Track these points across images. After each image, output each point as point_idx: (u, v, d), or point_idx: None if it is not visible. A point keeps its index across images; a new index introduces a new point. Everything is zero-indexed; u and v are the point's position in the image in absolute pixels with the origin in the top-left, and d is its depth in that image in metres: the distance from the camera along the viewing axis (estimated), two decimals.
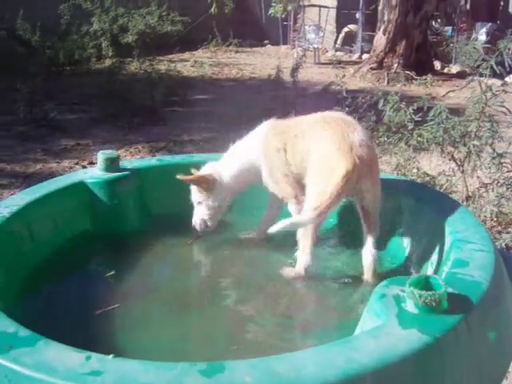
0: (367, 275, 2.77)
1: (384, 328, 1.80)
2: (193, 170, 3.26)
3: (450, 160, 5.55)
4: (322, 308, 2.70)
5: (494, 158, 5.07)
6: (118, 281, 2.81)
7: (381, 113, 5.94)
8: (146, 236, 3.19)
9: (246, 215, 3.38)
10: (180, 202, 3.26)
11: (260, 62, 16.02)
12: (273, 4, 16.48)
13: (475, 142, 5.15)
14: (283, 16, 17.26)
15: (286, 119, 3.28)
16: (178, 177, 3.14)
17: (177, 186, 3.24)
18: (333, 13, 18.93)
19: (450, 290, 1.93)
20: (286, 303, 2.75)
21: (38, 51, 11.36)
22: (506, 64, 5.10)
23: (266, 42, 19.87)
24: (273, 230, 2.68)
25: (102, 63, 13.40)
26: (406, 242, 3.01)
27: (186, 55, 16.16)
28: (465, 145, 5.26)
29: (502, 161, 5.04)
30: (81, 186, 3.15)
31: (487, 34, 16.44)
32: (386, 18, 13.89)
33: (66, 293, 2.76)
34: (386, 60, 13.73)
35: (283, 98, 9.29)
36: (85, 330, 2.34)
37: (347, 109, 6.02)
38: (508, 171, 5.13)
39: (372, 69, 13.64)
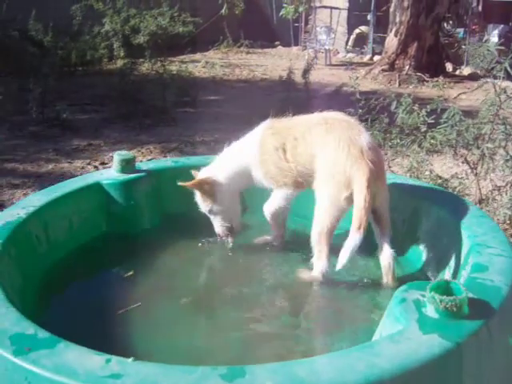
0: (386, 278, 2.75)
1: (405, 333, 1.79)
2: (193, 172, 3.26)
3: (462, 163, 5.51)
4: (340, 312, 2.69)
5: (507, 161, 5.03)
6: (137, 281, 2.82)
7: (393, 115, 5.90)
8: (162, 237, 3.20)
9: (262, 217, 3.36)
10: (195, 203, 3.25)
11: (271, 63, 15.99)
12: (284, 5, 16.46)
13: (489, 145, 5.11)
14: (294, 17, 17.24)
15: (283, 120, 3.23)
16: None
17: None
18: (344, 14, 18.88)
19: (470, 295, 1.92)
20: (303, 306, 2.75)
21: (51, 52, 11.37)
22: None
23: (277, 43, 19.85)
24: (341, 264, 2.64)
25: (114, 64, 13.42)
26: (423, 246, 2.99)
27: (198, 56, 16.16)
28: (478, 147, 5.23)
29: None
30: (97, 187, 3.16)
31: (499, 35, 16.32)
32: (397, 19, 13.83)
33: (83, 294, 2.78)
34: (397, 62, 13.68)
35: (295, 100, 9.25)
36: (103, 331, 2.35)
37: (360, 111, 5.99)
38: None
39: (383, 70, 13.59)
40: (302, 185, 3.06)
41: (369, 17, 17.56)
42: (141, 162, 3.39)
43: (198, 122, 8.88)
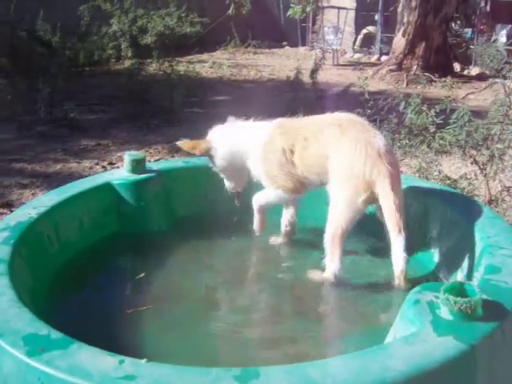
0: (398, 280, 2.74)
1: (419, 335, 1.78)
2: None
3: (472, 163, 5.49)
4: (352, 313, 2.68)
5: None
6: (147, 282, 2.82)
7: (402, 115, 5.89)
8: (172, 237, 3.19)
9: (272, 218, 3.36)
10: (205, 204, 3.26)
11: (278, 63, 15.97)
12: (292, 5, 16.44)
13: (498, 145, 5.09)
14: (302, 17, 17.21)
15: (294, 119, 3.23)
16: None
17: (202, 187, 3.24)
18: (352, 14, 18.85)
19: (484, 296, 1.90)
20: (315, 308, 2.74)
21: (59, 52, 11.39)
22: None
23: (284, 43, 19.83)
24: (401, 271, 2.64)
25: (122, 64, 13.43)
26: (435, 247, 2.98)
27: (205, 56, 16.16)
28: (488, 148, 5.21)
29: None
30: (107, 188, 3.16)
31: (508, 35, 16.29)
32: (405, 19, 13.80)
33: (94, 294, 2.77)
34: (405, 62, 13.64)
35: (302, 100, 9.24)
36: (114, 332, 2.34)
37: (369, 111, 5.98)
38: None
39: (391, 70, 13.56)
40: (300, 191, 3.10)
41: (376, 17, 17.52)
42: (149, 162, 3.38)
43: (205, 122, 8.76)
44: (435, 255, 2.97)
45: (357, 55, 17.80)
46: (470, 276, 2.54)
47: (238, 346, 2.36)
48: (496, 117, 5.22)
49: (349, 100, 8.07)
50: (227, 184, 3.31)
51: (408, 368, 1.65)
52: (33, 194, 5.69)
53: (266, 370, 1.61)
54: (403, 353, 1.71)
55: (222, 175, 3.30)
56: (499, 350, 1.88)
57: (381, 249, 2.92)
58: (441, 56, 13.84)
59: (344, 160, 2.82)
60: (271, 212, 3.27)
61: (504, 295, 2.01)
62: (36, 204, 2.84)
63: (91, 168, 6.68)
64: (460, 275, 2.68)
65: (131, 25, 13.58)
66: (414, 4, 13.47)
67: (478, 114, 5.72)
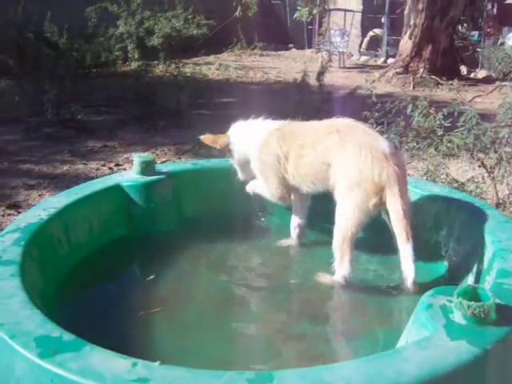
0: (407, 283, 2.73)
1: (432, 339, 1.78)
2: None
3: (479, 166, 5.48)
4: (361, 316, 2.68)
5: None
6: (158, 284, 2.81)
7: (409, 118, 5.88)
8: (182, 239, 3.20)
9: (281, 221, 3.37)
10: (215, 205, 3.26)
11: (285, 65, 15.97)
12: (298, 8, 16.44)
13: (507, 149, 5.09)
14: (308, 20, 17.20)
15: (294, 123, 3.27)
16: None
17: (211, 189, 3.24)
18: (358, 17, 18.83)
19: (496, 300, 1.89)
20: (325, 311, 2.74)
21: (65, 53, 11.39)
22: None
23: (290, 45, 19.83)
24: (412, 278, 2.64)
25: (128, 66, 13.44)
26: (445, 251, 2.97)
27: (211, 58, 16.17)
28: (496, 151, 5.20)
29: None
30: (117, 189, 3.16)
31: None
32: (412, 22, 13.78)
33: (104, 296, 2.77)
34: (411, 64, 13.62)
35: (309, 102, 9.24)
36: (125, 334, 2.34)
37: (376, 114, 5.98)
38: None
39: (397, 73, 13.53)
40: (286, 201, 3.22)
41: (383, 19, 17.50)
42: (155, 163, 3.39)
43: (212, 124, 8.80)
44: (446, 259, 2.96)
45: (363, 58, 17.79)
46: (481, 280, 2.53)
47: (249, 347, 2.36)
48: (504, 120, 5.22)
49: (355, 103, 8.05)
50: (239, 174, 3.39)
51: (422, 372, 1.64)
52: (40, 195, 5.69)
53: (280, 374, 1.61)
54: (417, 357, 1.70)
55: (236, 167, 3.38)
56: None
57: (389, 251, 2.91)
58: (447, 59, 13.81)
59: (350, 165, 2.81)
60: (279, 214, 3.28)
61: None
62: (46, 205, 2.85)
63: (98, 169, 6.68)
64: (471, 279, 2.67)
65: (138, 26, 13.58)
66: (420, 7, 13.45)
67: (485, 117, 5.71)
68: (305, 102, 9.28)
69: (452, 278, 2.83)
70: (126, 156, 7.10)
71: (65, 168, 6.71)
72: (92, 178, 5.33)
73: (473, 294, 1.87)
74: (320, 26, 18.99)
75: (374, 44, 18.46)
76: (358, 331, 2.54)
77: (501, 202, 5.34)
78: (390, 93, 10.81)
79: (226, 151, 3.37)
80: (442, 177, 5.56)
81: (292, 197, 3.26)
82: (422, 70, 13.38)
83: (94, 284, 2.84)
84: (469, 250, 2.78)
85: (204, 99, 10.10)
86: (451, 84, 12.06)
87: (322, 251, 3.00)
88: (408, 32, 13.93)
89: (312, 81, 10.33)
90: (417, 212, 2.87)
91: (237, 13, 15.65)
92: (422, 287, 2.51)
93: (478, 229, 2.72)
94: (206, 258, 3.16)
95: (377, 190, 2.72)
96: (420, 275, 2.73)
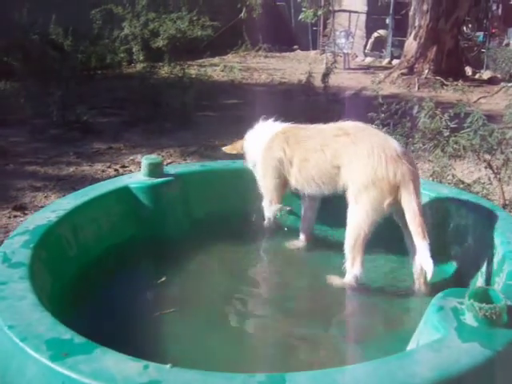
0: (418, 284, 2.73)
1: (444, 341, 1.77)
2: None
3: (485, 168, 5.48)
4: (372, 319, 2.68)
5: None
6: (169, 287, 2.81)
7: (415, 119, 5.87)
8: (191, 241, 3.20)
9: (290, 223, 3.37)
10: (223, 207, 3.26)
11: (289, 67, 15.96)
12: (303, 9, 16.43)
13: None
14: (313, 21, 17.19)
15: (300, 127, 3.27)
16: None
17: (220, 191, 3.24)
18: (363, 18, 18.80)
19: (508, 302, 1.89)
20: (335, 313, 2.74)
21: (71, 55, 11.41)
22: None
23: (295, 47, 19.81)
24: (431, 273, 2.62)
25: (133, 67, 13.46)
26: (454, 252, 2.97)
27: (216, 60, 16.16)
28: (502, 152, 5.19)
29: None
30: (125, 191, 3.16)
31: None
32: (416, 23, 13.75)
33: (115, 299, 2.76)
34: (416, 65, 13.59)
35: (314, 104, 9.24)
36: (137, 337, 2.34)
37: (382, 115, 5.97)
38: None
39: (402, 74, 13.51)
40: (276, 204, 3.24)
41: (387, 20, 17.49)
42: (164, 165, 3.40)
43: (217, 125, 8.87)
44: (455, 260, 2.96)
45: (368, 59, 17.77)
46: (490, 282, 2.52)
47: (260, 349, 2.36)
48: (511, 121, 5.20)
49: (361, 104, 8.04)
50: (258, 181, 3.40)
51: (434, 375, 1.64)
52: (45, 196, 5.70)
53: (292, 376, 1.60)
54: (429, 359, 1.70)
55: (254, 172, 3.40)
56: None
57: (399, 253, 2.91)
58: (452, 60, 13.78)
59: (364, 165, 2.81)
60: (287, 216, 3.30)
61: None
62: (54, 207, 2.85)
63: (103, 171, 6.68)
64: (480, 281, 2.66)
65: (143, 28, 13.59)
66: (425, 7, 13.43)
67: (490, 117, 5.70)
68: (310, 103, 9.28)
69: (461, 279, 2.82)
70: (131, 158, 7.11)
71: (70, 170, 6.71)
72: (98, 180, 5.33)
73: (484, 296, 1.87)
74: (325, 27, 18.98)
75: (379, 45, 18.44)
76: (368, 333, 2.54)
77: (507, 203, 5.33)
78: (395, 94, 10.79)
79: (243, 156, 3.43)
80: (449, 178, 5.55)
81: (302, 201, 3.30)
82: (426, 71, 13.36)
83: (103, 286, 2.84)
84: (478, 251, 2.78)
85: (209, 101, 10.10)
86: (456, 85, 12.05)
87: (330, 253, 3.01)
88: (413, 33, 13.90)
89: (317, 82, 10.33)
90: (425, 213, 2.86)
91: (241, 14, 15.65)
92: (431, 289, 2.51)
93: (487, 230, 2.71)
94: (215, 259, 3.17)
95: (392, 188, 2.72)
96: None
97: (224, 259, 3.18)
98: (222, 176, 3.32)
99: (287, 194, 3.25)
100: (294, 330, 2.51)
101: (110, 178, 5.92)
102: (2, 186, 5.92)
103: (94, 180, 5.81)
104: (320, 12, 16.14)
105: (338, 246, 2.88)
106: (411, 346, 1.99)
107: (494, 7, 17.25)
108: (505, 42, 15.68)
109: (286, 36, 19.70)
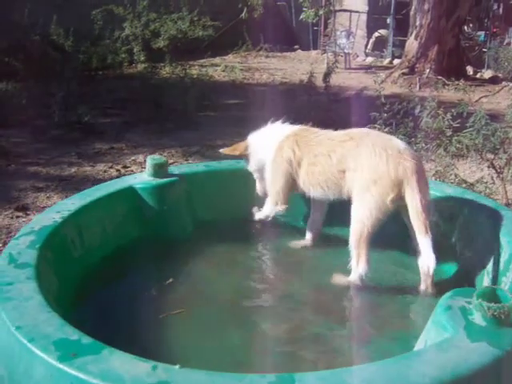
0: (425, 283, 2.73)
1: (453, 341, 1.77)
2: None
3: (488, 167, 5.48)
4: (378, 317, 2.67)
5: None
6: (176, 287, 2.81)
7: (417, 119, 5.87)
8: (196, 241, 3.20)
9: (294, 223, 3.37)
10: (228, 207, 3.26)
11: (290, 66, 15.96)
12: (304, 9, 16.42)
13: None
14: (314, 21, 17.18)
15: (310, 131, 3.28)
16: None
17: (224, 191, 3.24)
18: (363, 17, 18.78)
19: None
20: (342, 313, 2.73)
21: (72, 56, 11.40)
22: None
23: (296, 47, 19.80)
24: (428, 284, 2.68)
25: (134, 68, 13.45)
26: (460, 252, 2.96)
27: (217, 60, 16.15)
28: (505, 152, 5.19)
29: None
30: (130, 192, 3.15)
31: None
32: (418, 22, 13.75)
33: (122, 299, 2.76)
34: (417, 65, 13.58)
35: (315, 103, 9.23)
36: (145, 338, 2.33)
37: (385, 115, 5.97)
38: None
39: (403, 74, 13.50)
40: (281, 205, 3.24)
41: (388, 20, 17.48)
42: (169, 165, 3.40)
43: (218, 125, 8.87)
44: (461, 260, 2.95)
45: (369, 59, 17.76)
46: (497, 281, 2.51)
47: (267, 349, 2.36)
48: None
49: (362, 103, 8.04)
50: (257, 186, 3.41)
51: (443, 374, 1.64)
52: (48, 197, 5.69)
53: (301, 376, 1.60)
54: (438, 359, 1.69)
55: (254, 176, 3.41)
56: None
57: (405, 252, 2.91)
58: (453, 59, 13.77)
59: (366, 166, 2.84)
60: (292, 216, 3.29)
61: None
62: (60, 208, 2.84)
63: (105, 171, 6.68)
64: (486, 280, 2.66)
65: (144, 29, 13.56)
66: (426, 7, 13.42)
67: (492, 117, 5.70)
68: (311, 103, 9.27)
69: (467, 279, 2.82)
70: (133, 158, 7.10)
71: (72, 170, 6.71)
72: (100, 180, 5.33)
73: (492, 296, 1.87)
74: (326, 27, 18.97)
75: (380, 45, 18.42)
76: (374, 332, 2.54)
77: (510, 202, 5.33)
78: (396, 94, 10.78)
79: (244, 157, 3.41)
80: (451, 178, 5.55)
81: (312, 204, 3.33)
82: (428, 70, 13.35)
83: (109, 286, 2.84)
84: (484, 250, 2.77)
85: (211, 101, 10.10)
86: (457, 84, 12.04)
87: (335, 253, 3.01)
88: (414, 33, 13.90)
89: (318, 82, 10.32)
90: (431, 210, 2.86)
91: (242, 14, 15.64)
92: (437, 288, 2.51)
93: (493, 230, 2.71)
94: (221, 259, 3.17)
95: (394, 184, 2.73)
96: (435, 276, 2.72)
97: (229, 259, 3.17)
98: (227, 176, 3.32)
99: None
100: (300, 329, 2.52)
101: (111, 178, 5.92)
102: (4, 187, 5.92)
103: (96, 180, 5.81)
104: (321, 12, 16.10)
105: (342, 246, 2.88)
106: (419, 345, 1.98)
107: (495, 6, 17.23)
108: (506, 41, 15.66)
109: (287, 36, 19.68)
